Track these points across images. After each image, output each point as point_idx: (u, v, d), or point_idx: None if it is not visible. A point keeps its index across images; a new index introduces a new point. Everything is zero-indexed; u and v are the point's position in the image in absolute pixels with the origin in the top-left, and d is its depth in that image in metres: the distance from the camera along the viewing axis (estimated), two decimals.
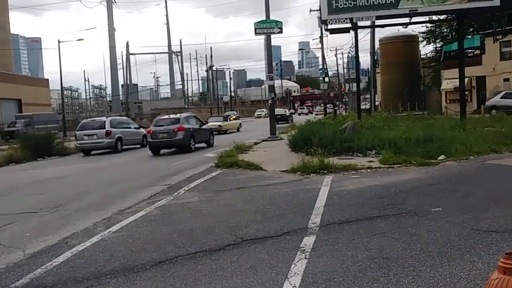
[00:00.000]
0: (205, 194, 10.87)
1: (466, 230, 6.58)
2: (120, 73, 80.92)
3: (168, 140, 22.78)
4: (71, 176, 16.58)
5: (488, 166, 12.22)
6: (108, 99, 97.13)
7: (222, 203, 9.65)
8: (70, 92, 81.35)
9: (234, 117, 50.91)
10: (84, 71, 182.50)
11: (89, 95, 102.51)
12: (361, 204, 8.66)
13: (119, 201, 10.73)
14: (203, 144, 25.11)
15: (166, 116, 25.65)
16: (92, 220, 8.84)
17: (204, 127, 26.05)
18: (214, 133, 29.09)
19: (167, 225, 8.10)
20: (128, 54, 75.91)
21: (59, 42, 50.35)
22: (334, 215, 7.93)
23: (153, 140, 22.98)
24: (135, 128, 29.12)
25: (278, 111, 50.01)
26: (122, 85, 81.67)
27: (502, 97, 33.09)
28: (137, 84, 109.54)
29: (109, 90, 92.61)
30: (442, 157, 13.53)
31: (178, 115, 24.84)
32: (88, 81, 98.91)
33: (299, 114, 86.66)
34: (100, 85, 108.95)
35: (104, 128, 25.62)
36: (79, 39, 53.00)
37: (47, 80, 72.49)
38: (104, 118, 28.33)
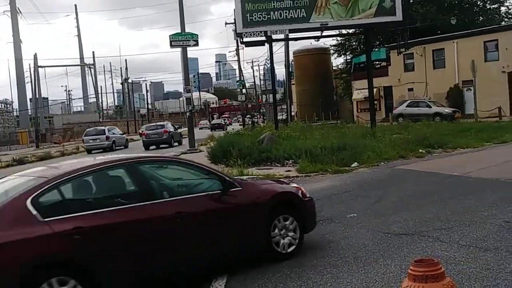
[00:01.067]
0: None
1: (379, 234, 6.90)
2: (28, 86, 77.08)
3: (158, 139, 32.88)
4: None
5: (397, 172, 12.91)
6: (15, 114, 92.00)
7: None
8: None
9: None
10: None
11: None
12: None
13: None
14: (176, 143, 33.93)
15: (154, 124, 39.72)
16: None
17: (177, 131, 36.95)
18: None
19: None
20: (36, 66, 72.48)
21: None
22: None
23: (147, 139, 33.20)
24: (120, 134, 39.16)
25: (216, 121, 69.80)
26: (30, 99, 77.71)
27: (407, 106, 35.07)
28: (47, 98, 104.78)
29: (16, 105, 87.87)
30: (355, 164, 14.12)
31: (163, 122, 38.18)
32: None
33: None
34: (6, 99, 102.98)
35: (105, 134, 34.48)
36: None
37: None
38: (103, 127, 38.07)
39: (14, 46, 75.56)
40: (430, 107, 33.76)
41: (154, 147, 33.00)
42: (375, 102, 38.46)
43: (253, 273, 5.68)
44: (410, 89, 40.49)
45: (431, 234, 6.62)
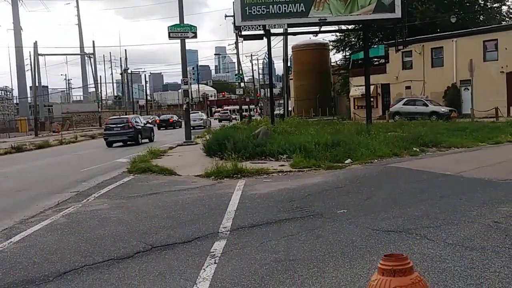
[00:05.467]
0: (116, 200, 10.64)
1: (368, 230, 6.94)
2: (28, 74, 76.78)
3: (167, 124, 51.81)
4: None
5: (390, 169, 12.95)
6: (15, 101, 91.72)
7: (133, 210, 9.48)
8: None
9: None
10: None
11: None
12: (271, 207, 8.87)
13: (22, 210, 10.23)
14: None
15: (165, 115, 59.78)
16: None
17: (179, 119, 48.77)
18: None
19: (73, 233, 7.84)
20: (36, 54, 72.17)
21: None
22: (245, 219, 8.06)
23: (160, 124, 51.57)
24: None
25: (224, 112, 77.44)
26: (30, 87, 77.46)
27: (404, 104, 35.14)
28: (47, 86, 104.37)
29: (16, 92, 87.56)
30: (348, 160, 14.16)
31: (170, 115, 59.72)
32: None
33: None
34: (6, 86, 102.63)
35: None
36: None
37: None
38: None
39: (14, 34, 75.27)
40: (427, 105, 33.83)
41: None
42: (372, 99, 38.59)
43: (241, 264, 5.72)
44: (408, 87, 40.54)
45: (419, 231, 6.66)
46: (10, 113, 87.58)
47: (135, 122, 30.37)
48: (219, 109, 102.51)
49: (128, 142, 29.03)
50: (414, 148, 16.28)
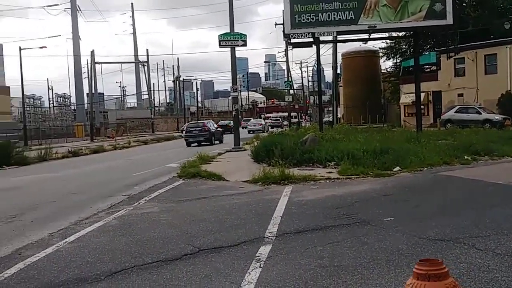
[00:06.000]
0: (166, 204, 10.92)
1: (415, 238, 6.87)
2: (85, 82, 79.73)
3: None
4: (29, 186, 16.32)
5: (439, 178, 12.70)
6: (73, 107, 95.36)
7: (182, 213, 9.72)
8: (32, 100, 79.53)
9: None
10: (47, 79, 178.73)
11: (53, 103, 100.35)
12: (318, 213, 8.89)
13: (77, 212, 10.67)
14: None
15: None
16: (48, 231, 8.77)
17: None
18: None
19: (124, 235, 8.13)
20: (93, 62, 74.90)
21: (20, 49, 49.63)
22: (291, 224, 8.12)
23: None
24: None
25: (275, 119, 74.92)
26: (87, 94, 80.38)
27: (456, 112, 34.28)
28: (103, 93, 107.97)
29: (73, 99, 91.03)
30: (397, 168, 13.97)
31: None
32: (52, 89, 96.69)
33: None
34: (64, 93, 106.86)
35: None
36: (42, 47, 52.90)
37: (8, 87, 70.61)
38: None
39: (73, 43, 78.44)
40: (480, 113, 32.90)
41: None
42: (423, 106, 37.76)
43: (286, 268, 5.80)
44: (460, 95, 39.51)
45: (467, 241, 6.54)
46: (68, 118, 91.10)
47: (210, 126, 36.45)
48: (269, 115, 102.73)
49: (203, 143, 34.01)
50: (466, 157, 15.87)
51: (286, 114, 73.46)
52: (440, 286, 2.34)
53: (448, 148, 16.97)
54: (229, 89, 33.74)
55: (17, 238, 8.41)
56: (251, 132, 50.82)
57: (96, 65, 77.68)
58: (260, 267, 5.98)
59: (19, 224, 9.75)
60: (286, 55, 59.21)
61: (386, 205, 9.34)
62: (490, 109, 34.34)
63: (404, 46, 48.65)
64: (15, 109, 74.63)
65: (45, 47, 53.47)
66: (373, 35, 26.04)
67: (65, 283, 5.84)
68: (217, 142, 35.72)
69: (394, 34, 34.85)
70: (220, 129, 40.38)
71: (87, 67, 77.67)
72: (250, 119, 69.51)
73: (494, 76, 37.23)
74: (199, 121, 42.94)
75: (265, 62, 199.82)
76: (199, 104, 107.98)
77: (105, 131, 69.02)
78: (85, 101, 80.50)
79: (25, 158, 26.22)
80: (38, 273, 6.31)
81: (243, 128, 52.30)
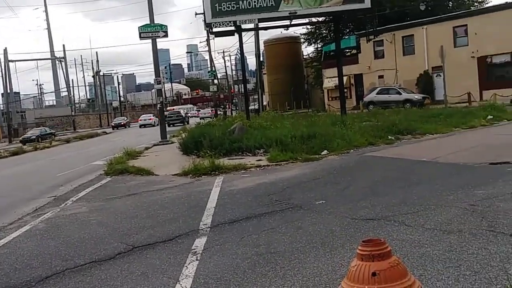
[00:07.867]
0: (94, 203, 10.55)
1: (347, 219, 7.02)
2: None
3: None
4: None
5: (366, 158, 13.11)
6: None
7: (112, 211, 9.42)
8: None
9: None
10: None
11: None
12: (250, 202, 8.90)
13: (0, 217, 10.07)
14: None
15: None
16: None
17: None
18: None
19: (53, 238, 7.75)
20: (6, 61, 70.81)
21: None
22: (224, 215, 8.08)
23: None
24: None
25: (204, 111, 79.31)
26: (1, 94, 75.96)
27: (377, 93, 35.49)
28: (19, 93, 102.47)
29: None
30: (325, 152, 14.28)
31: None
32: None
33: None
34: None
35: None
36: None
37: None
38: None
39: None
40: (400, 94, 34.22)
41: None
42: (346, 90, 38.88)
43: (223, 259, 5.75)
44: (381, 76, 40.96)
45: (397, 218, 6.76)
46: None
47: (182, 114, 57.50)
48: (170, 108, 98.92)
49: (179, 124, 48.79)
50: (389, 137, 16.49)
51: (188, 106, 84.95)
52: (384, 265, 2.36)
53: (372, 129, 17.55)
54: (152, 82, 32.97)
55: None
56: (143, 126, 59.06)
57: (10, 63, 73.58)
58: (197, 259, 5.90)
59: None
60: (208, 44, 58.87)
61: (317, 189, 9.51)
62: (410, 89, 35.82)
63: (324, 31, 49.64)
64: None
65: None
66: (294, 21, 26.26)
67: None
68: (186, 123, 48.28)
69: (314, 19, 35.42)
70: (187, 115, 60.35)
71: (0, 66, 73.39)
72: (173, 109, 74.28)
73: (412, 57, 38.83)
74: (175, 110, 64.66)
75: (187, 52, 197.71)
76: (122, 99, 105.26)
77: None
78: (0, 102, 76.16)
79: None
80: None
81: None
